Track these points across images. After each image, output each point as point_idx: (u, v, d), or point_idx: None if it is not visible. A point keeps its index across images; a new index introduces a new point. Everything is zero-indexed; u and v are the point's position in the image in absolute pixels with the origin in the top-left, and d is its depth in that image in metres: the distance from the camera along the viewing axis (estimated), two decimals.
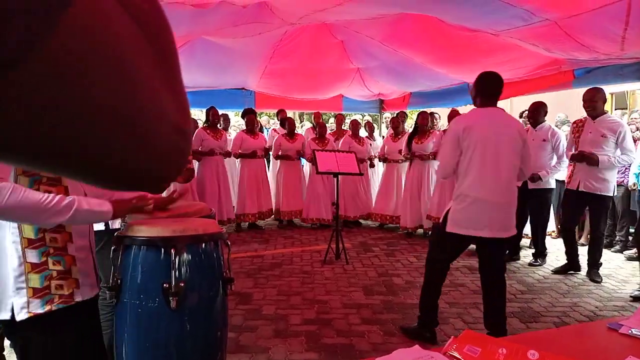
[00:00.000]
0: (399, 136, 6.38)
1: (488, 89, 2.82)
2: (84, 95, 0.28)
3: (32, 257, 1.30)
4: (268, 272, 4.45)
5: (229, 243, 1.71)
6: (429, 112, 6.19)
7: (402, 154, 6.05)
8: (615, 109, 9.20)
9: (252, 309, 3.51)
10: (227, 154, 6.10)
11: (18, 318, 1.28)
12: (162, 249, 1.44)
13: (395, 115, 7.22)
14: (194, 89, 6.61)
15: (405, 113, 7.49)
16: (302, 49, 5.87)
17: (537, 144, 4.57)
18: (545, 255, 4.91)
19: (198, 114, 8.49)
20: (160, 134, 0.34)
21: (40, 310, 1.29)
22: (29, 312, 1.28)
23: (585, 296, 3.91)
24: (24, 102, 0.26)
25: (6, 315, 1.28)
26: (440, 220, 2.96)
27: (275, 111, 8.32)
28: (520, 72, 5.08)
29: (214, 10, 3.81)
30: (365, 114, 10.93)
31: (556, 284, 4.22)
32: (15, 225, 1.27)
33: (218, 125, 6.10)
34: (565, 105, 7.04)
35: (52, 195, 1.23)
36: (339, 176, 5.05)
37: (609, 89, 9.48)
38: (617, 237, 5.52)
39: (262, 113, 9.14)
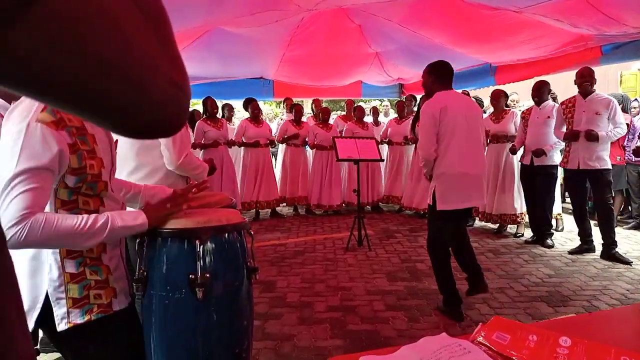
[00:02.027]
0: (403, 119, 6.49)
1: (447, 75, 3.16)
2: (80, 41, 0.32)
3: (70, 267, 1.29)
4: (291, 260, 4.48)
5: (252, 232, 1.72)
6: None
7: (408, 138, 6.16)
8: None
9: (277, 296, 3.55)
10: (231, 143, 6.07)
11: (59, 329, 1.27)
12: (187, 241, 1.46)
13: (402, 99, 7.33)
14: (212, 80, 6.61)
15: (412, 97, 7.53)
16: (319, 35, 5.81)
17: (541, 121, 4.72)
18: (551, 235, 4.88)
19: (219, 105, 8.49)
20: (155, 83, 0.38)
21: (79, 320, 1.29)
22: (68, 323, 1.27)
23: (615, 279, 3.82)
24: (27, 44, 0.31)
25: (30, 325, 1.25)
26: (429, 201, 3.16)
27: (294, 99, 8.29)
28: (546, 50, 4.92)
29: None
30: (384, 99, 10.80)
31: (584, 267, 4.13)
32: None
33: (217, 115, 6.01)
34: None
35: (85, 218, 1.22)
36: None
37: (638, 64, 9.11)
38: None
39: (280, 102, 9.13)
